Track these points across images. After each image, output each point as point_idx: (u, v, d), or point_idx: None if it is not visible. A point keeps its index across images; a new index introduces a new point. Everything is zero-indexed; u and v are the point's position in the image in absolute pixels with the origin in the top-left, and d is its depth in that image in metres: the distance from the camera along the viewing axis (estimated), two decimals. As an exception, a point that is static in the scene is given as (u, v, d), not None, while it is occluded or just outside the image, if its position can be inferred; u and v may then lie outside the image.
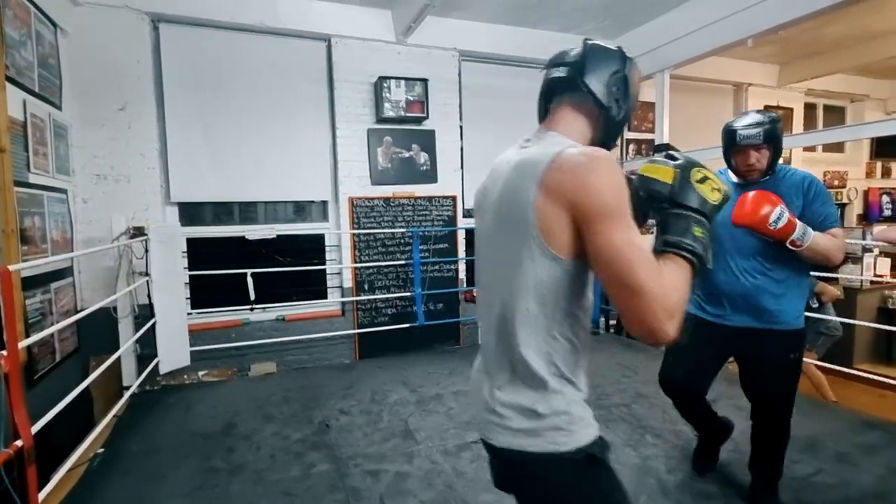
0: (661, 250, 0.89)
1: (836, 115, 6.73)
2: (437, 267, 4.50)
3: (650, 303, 0.76)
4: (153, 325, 3.17)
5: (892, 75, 6.32)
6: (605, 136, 1.03)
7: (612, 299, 0.81)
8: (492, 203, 0.98)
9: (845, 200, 6.62)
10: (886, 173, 6.93)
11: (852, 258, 5.11)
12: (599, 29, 4.72)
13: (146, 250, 3.21)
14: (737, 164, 1.88)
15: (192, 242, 3.82)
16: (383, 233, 4.31)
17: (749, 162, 1.82)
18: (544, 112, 1.08)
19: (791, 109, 6.14)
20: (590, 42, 1.04)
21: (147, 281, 3.23)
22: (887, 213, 6.59)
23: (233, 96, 3.89)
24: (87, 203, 3.43)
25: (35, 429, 1.52)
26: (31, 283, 2.68)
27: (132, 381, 3.21)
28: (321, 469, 2.28)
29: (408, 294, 4.32)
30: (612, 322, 4.85)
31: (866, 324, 4.06)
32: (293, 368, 3.91)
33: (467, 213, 4.73)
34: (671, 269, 0.84)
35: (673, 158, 1.00)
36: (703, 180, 0.94)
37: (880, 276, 4.79)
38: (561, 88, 1.02)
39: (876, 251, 4.84)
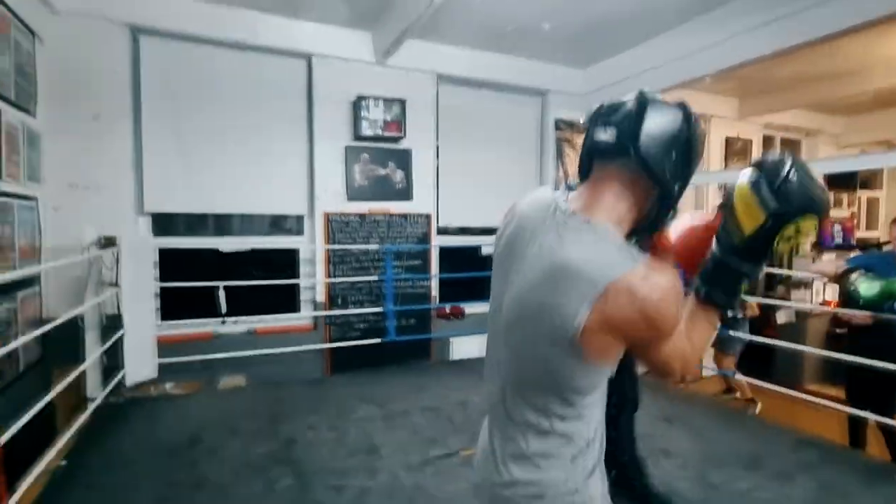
0: (703, 300, 0.88)
1: (792, 148, 7.14)
2: (409, 283, 4.59)
3: (677, 374, 0.86)
4: (121, 337, 3.16)
5: (844, 112, 6.76)
6: (657, 218, 0.89)
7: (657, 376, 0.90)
8: (522, 278, 0.85)
9: (800, 228, 7.00)
10: (838, 203, 7.36)
11: (804, 284, 5.41)
12: (569, 59, 4.96)
13: (117, 261, 3.21)
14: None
15: (164, 253, 3.82)
16: (358, 248, 4.38)
17: None
18: (587, 169, 0.90)
19: (750, 141, 6.50)
20: (646, 96, 0.86)
21: (116, 292, 3.22)
22: (838, 240, 6.99)
23: (211, 110, 3.94)
24: (57, 211, 3.40)
25: (1, 441, 1.54)
26: (-4, 293, 2.66)
27: (97, 392, 3.18)
28: (285, 484, 2.32)
29: (380, 309, 4.39)
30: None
31: (793, 346, 4.32)
32: (263, 382, 3.92)
33: (441, 231, 4.85)
34: (703, 326, 0.87)
35: (781, 190, 0.80)
36: (789, 238, 0.81)
37: (827, 302, 5.09)
38: (609, 153, 0.85)
39: (825, 278, 5.14)
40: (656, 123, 0.82)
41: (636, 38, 4.45)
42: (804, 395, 3.35)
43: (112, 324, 3.29)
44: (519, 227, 0.91)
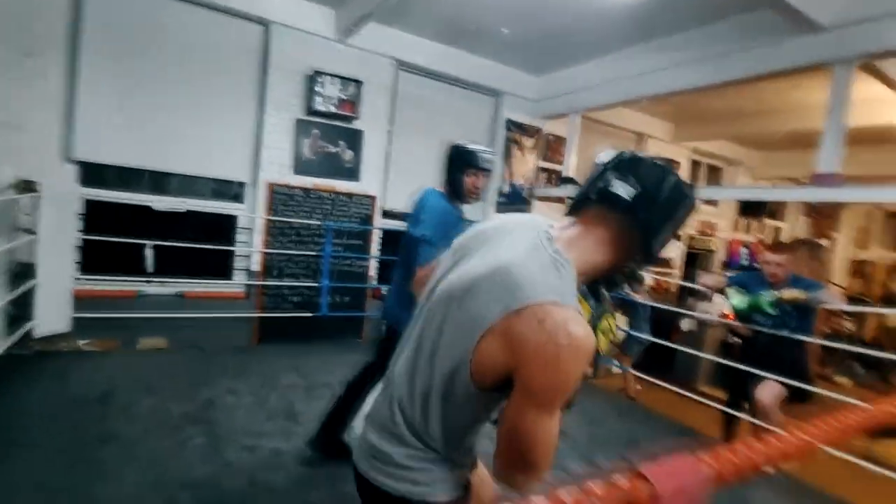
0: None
1: (715, 174, 7.83)
2: (348, 262, 4.65)
3: (531, 477, 0.83)
4: (32, 287, 3.02)
5: (761, 147, 7.49)
6: (632, 270, 0.95)
7: (499, 442, 0.84)
8: (473, 269, 0.88)
9: (712, 248, 7.70)
10: (748, 229, 8.17)
11: (706, 297, 5.98)
12: (524, 65, 5.19)
13: (35, 207, 3.05)
14: (467, 185, 2.05)
15: (91, 205, 3.65)
16: (299, 222, 4.38)
17: (478, 185, 2.04)
18: (581, 206, 0.93)
19: (679, 164, 7.06)
20: (668, 165, 0.90)
21: (32, 239, 3.07)
22: (745, 262, 7.76)
23: (159, 61, 3.79)
24: (-30, 148, 3.18)
25: None
26: None
27: (0, 342, 3.02)
28: (197, 442, 2.36)
29: (315, 284, 4.43)
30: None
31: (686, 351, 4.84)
32: (186, 346, 3.85)
33: (386, 214, 4.94)
34: (554, 423, 0.81)
35: (596, 295, 0.96)
36: (605, 330, 0.95)
37: (726, 315, 5.68)
38: (617, 205, 0.87)
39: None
40: (669, 197, 0.87)
41: (587, 55, 4.73)
42: (690, 394, 3.77)
43: (23, 271, 3.13)
44: (497, 228, 0.95)
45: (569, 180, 5.28)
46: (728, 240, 7.86)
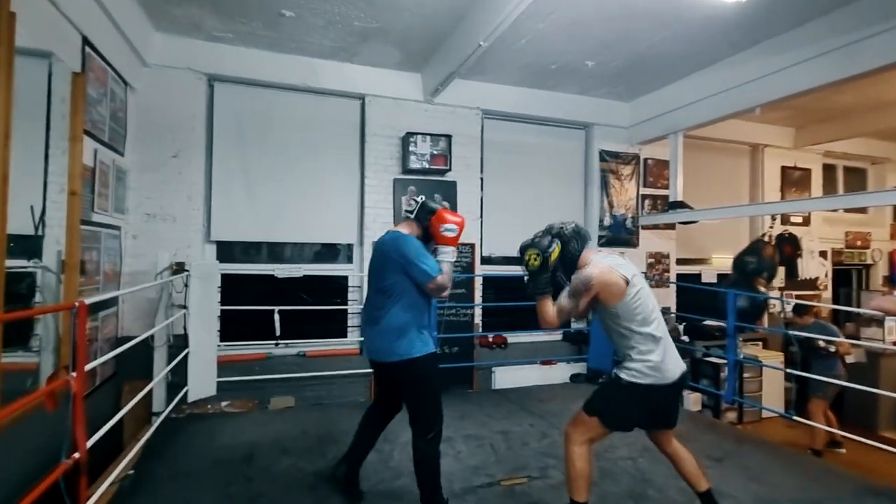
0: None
1: (857, 176, 6.78)
2: (453, 311, 4.66)
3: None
4: (186, 355, 3.40)
5: (913, 139, 6.38)
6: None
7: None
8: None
9: (869, 261, 6.55)
10: (911, 235, 6.86)
11: (876, 321, 5.05)
12: (613, 93, 5.02)
13: (185, 285, 3.49)
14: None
15: (224, 278, 4.11)
16: (404, 276, 4.51)
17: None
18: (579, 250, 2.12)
19: (809, 170, 6.24)
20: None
21: (184, 313, 3.49)
22: (914, 275, 6.48)
23: (273, 147, 4.28)
24: (136, 239, 3.77)
25: (88, 444, 1.72)
26: (84, 312, 2.96)
27: (161, 406, 3.41)
28: (333, 501, 2.40)
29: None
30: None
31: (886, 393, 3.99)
32: (311, 404, 4.06)
33: (485, 260, 4.93)
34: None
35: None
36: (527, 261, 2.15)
37: (903, 340, 4.70)
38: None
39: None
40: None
41: (682, 71, 4.47)
42: (872, 442, 3.09)
43: (179, 343, 3.55)
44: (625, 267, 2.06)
45: (678, 204, 4.89)
46: (888, 251, 6.65)
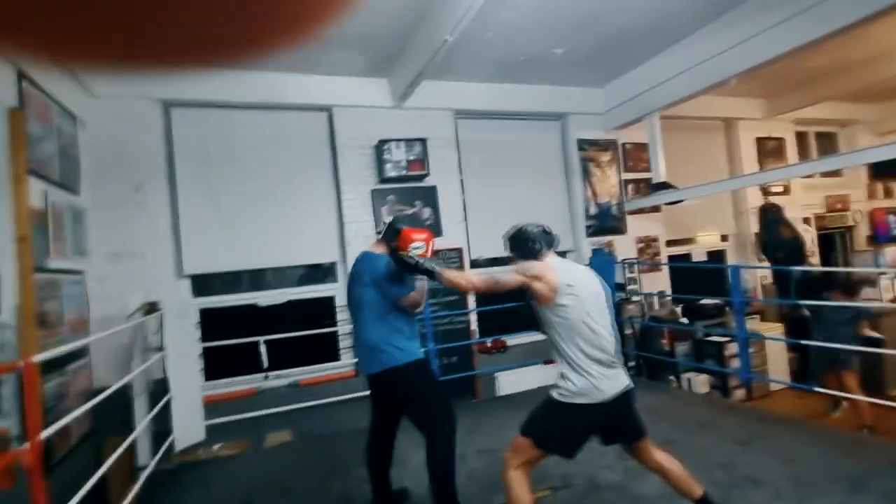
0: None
1: (828, 141, 6.86)
2: (447, 320, 4.49)
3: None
4: (168, 401, 3.15)
5: (880, 99, 6.48)
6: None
7: None
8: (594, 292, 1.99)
9: (851, 223, 6.61)
10: (888, 194, 6.95)
11: (868, 281, 5.04)
12: (585, 80, 4.95)
13: (160, 325, 3.25)
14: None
15: (203, 313, 3.86)
16: (393, 289, 4.33)
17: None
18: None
19: (783, 139, 6.28)
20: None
21: (162, 356, 3.24)
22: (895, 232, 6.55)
23: (241, 169, 4.06)
24: (102, 282, 3.50)
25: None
26: (49, 367, 2.70)
27: (147, 459, 3.15)
28: (343, 545, 2.19)
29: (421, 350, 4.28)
30: (632, 364, 4.74)
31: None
32: (310, 436, 3.82)
33: (473, 263, 4.77)
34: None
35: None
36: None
37: (900, 297, 4.70)
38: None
39: (892, 273, 4.79)
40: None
41: (654, 49, 4.41)
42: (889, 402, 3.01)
43: (159, 388, 3.29)
44: (578, 275, 2.06)
45: (662, 185, 4.82)
46: (867, 211, 6.72)
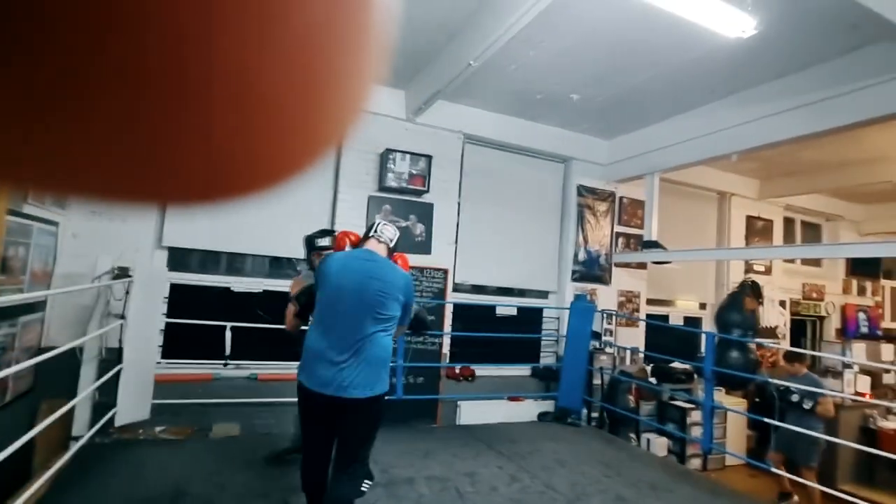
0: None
1: (812, 231, 7.10)
2: (421, 339, 4.42)
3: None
4: (118, 372, 3.00)
5: (865, 200, 6.77)
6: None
7: None
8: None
9: (823, 314, 6.79)
10: (862, 291, 7.18)
11: (832, 373, 5.14)
12: (594, 129, 5.07)
13: (126, 292, 3.13)
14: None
15: (174, 288, 3.74)
16: (371, 299, 4.26)
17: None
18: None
19: (771, 221, 6.48)
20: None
21: (121, 324, 3.11)
22: (864, 329, 6.74)
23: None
24: (76, 238, 3.38)
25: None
26: (-1, 315, 2.57)
27: (83, 430, 2.98)
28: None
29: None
30: (595, 415, 4.71)
31: (850, 444, 4.00)
32: (258, 433, 3.68)
33: (457, 287, 4.75)
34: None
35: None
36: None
37: (861, 393, 4.80)
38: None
39: (856, 368, 4.89)
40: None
41: (662, 114, 4.55)
42: (840, 494, 3.03)
43: (111, 357, 3.15)
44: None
45: (652, 244, 4.90)
46: (840, 304, 6.92)
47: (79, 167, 0.16)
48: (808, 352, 5.45)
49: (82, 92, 0.14)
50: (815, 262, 6.89)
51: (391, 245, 2.21)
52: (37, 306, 3.06)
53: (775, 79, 3.70)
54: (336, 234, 2.74)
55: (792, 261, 6.64)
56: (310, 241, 2.78)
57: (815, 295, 6.71)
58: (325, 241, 2.73)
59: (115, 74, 0.14)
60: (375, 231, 2.20)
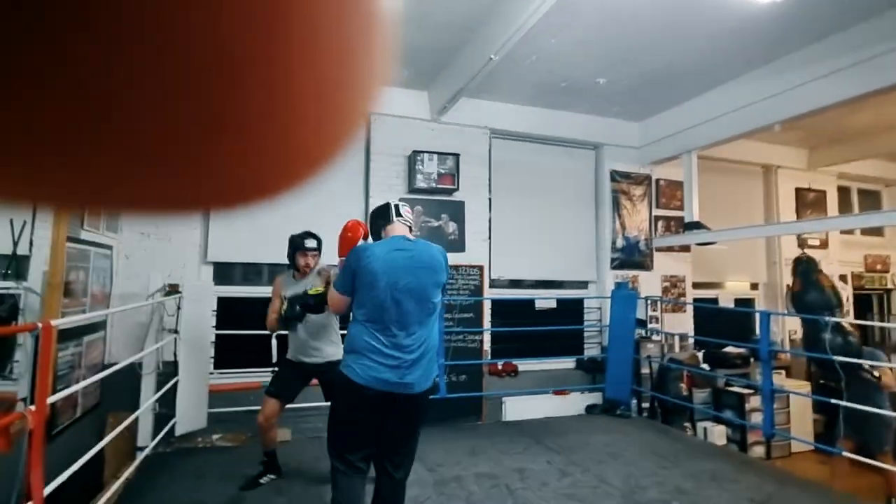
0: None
1: (872, 199, 6.63)
2: (461, 337, 4.42)
3: None
4: (175, 384, 3.15)
5: (928, 161, 6.26)
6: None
7: None
8: None
9: (889, 285, 6.32)
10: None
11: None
12: (623, 113, 4.92)
13: (178, 307, 3.28)
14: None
15: (221, 301, 3.89)
16: (409, 300, 4.30)
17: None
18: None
19: (824, 192, 6.09)
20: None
21: (175, 338, 3.26)
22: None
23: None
24: (129, 259, 3.58)
25: (47, 491, 1.48)
26: (65, 336, 2.74)
27: (147, 440, 3.15)
28: (330, 554, 2.11)
29: (430, 364, 4.22)
30: (646, 405, 4.57)
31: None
32: (308, 437, 3.77)
33: (493, 283, 4.72)
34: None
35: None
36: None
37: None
38: None
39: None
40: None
41: (695, 90, 4.37)
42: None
43: (168, 370, 3.31)
44: None
45: (694, 225, 4.70)
46: (908, 274, 6.43)
47: (133, 184, 0.16)
48: (877, 324, 5.07)
49: (133, 112, 0.15)
50: (877, 232, 6.42)
51: (411, 224, 2.18)
52: (98, 326, 3.25)
53: (816, 41, 3.47)
54: (348, 223, 2.63)
55: (851, 232, 6.22)
56: (296, 242, 2.85)
57: (879, 267, 6.26)
58: (312, 244, 2.84)
59: (167, 92, 0.15)
60: (399, 214, 2.11)
